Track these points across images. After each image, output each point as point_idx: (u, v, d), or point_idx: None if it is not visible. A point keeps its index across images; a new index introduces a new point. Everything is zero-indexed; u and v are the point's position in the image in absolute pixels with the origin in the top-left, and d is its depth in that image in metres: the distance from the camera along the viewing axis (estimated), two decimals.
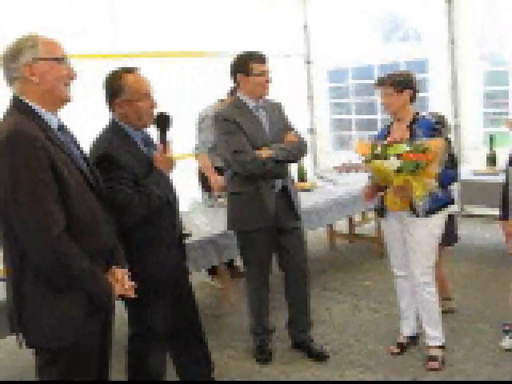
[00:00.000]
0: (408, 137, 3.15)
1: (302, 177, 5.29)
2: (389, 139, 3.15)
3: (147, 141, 2.75)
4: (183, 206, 4.33)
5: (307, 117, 7.57)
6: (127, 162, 2.56)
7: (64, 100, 2.13)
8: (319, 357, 3.56)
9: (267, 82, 3.33)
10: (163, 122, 2.69)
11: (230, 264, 4.87)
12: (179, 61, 5.76)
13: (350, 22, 6.86)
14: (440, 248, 3.51)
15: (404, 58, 6.71)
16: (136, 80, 2.63)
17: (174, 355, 3.07)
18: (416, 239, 3.27)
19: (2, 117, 2.07)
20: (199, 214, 4.19)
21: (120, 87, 2.60)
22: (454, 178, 3.31)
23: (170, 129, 2.72)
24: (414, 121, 3.26)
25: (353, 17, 6.84)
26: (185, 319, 2.98)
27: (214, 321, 4.28)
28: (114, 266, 2.22)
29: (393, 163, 2.94)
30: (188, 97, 5.56)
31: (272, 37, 6.61)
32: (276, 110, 3.50)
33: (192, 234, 3.79)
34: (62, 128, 2.14)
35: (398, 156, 2.94)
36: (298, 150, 3.41)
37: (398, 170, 2.94)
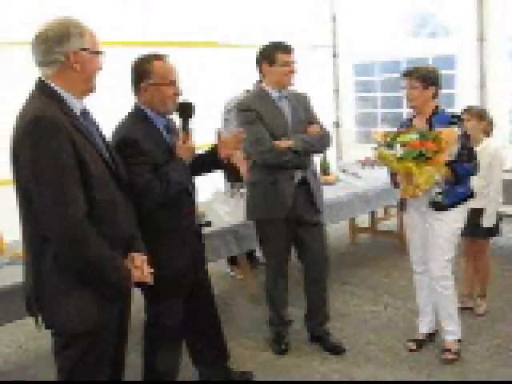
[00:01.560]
0: (427, 130, 3.18)
1: (325, 170, 5.26)
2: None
3: (169, 127, 2.77)
4: (206, 196, 4.37)
5: (332, 110, 7.52)
6: (148, 147, 2.58)
7: (93, 90, 2.18)
8: (335, 350, 3.56)
9: (292, 72, 3.31)
10: (186, 110, 2.71)
11: (251, 255, 4.88)
12: (206, 51, 5.76)
13: (378, 15, 6.77)
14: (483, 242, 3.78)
15: (432, 54, 6.60)
16: (164, 66, 2.66)
17: (190, 343, 3.10)
18: (434, 233, 3.28)
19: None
20: (221, 203, 4.21)
21: (148, 71, 2.64)
22: (471, 172, 3.26)
23: (193, 117, 2.73)
24: (434, 114, 3.29)
25: (381, 10, 6.75)
26: (200, 307, 3.01)
27: (233, 311, 4.30)
28: (132, 253, 2.23)
29: (395, 151, 3.02)
30: (214, 87, 5.57)
31: (299, 28, 6.57)
32: (302, 101, 3.48)
33: (213, 223, 3.80)
34: (84, 113, 2.16)
35: (404, 144, 3.01)
36: (319, 143, 3.39)
37: (400, 158, 3.01)
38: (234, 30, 5.97)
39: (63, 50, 2.03)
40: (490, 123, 3.85)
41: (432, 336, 3.59)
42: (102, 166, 2.10)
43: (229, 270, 5.06)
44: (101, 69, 2.16)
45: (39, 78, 2.09)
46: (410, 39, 6.93)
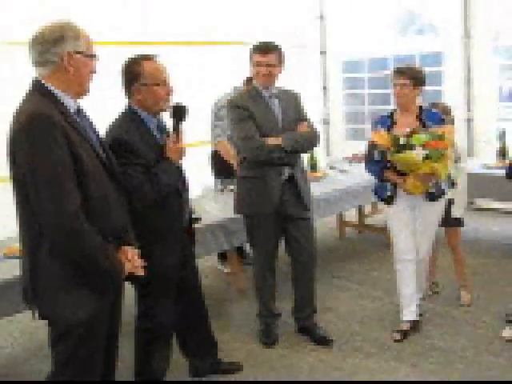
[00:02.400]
0: (419, 127, 3.41)
1: (313, 166, 5.35)
2: (399, 129, 3.42)
3: (161, 128, 2.84)
4: (195, 192, 4.45)
5: (321, 107, 7.62)
6: (140, 148, 2.65)
7: (86, 92, 2.26)
8: (323, 342, 3.65)
9: (262, 73, 3.36)
10: (179, 112, 2.78)
11: (241, 250, 4.97)
12: (195, 50, 5.83)
13: (366, 13, 6.87)
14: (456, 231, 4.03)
15: (419, 51, 6.72)
16: (154, 67, 2.72)
17: (180, 336, 3.19)
18: (427, 221, 3.61)
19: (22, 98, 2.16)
20: (210, 199, 4.29)
21: (138, 73, 2.70)
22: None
23: (185, 120, 2.81)
24: (421, 112, 3.50)
25: (369, 8, 6.86)
26: (189, 302, 3.10)
27: (222, 305, 4.39)
28: (124, 246, 2.31)
29: (419, 153, 3.24)
30: (203, 85, 5.64)
31: (288, 26, 6.66)
32: (292, 99, 3.56)
33: (202, 219, 3.88)
34: (79, 112, 2.24)
35: (423, 146, 3.24)
36: (307, 141, 3.48)
37: (427, 158, 3.24)
38: (223, 29, 6.05)
39: (57, 51, 2.12)
40: (453, 119, 3.99)
41: (416, 324, 3.73)
42: (95, 162, 2.18)
43: (219, 266, 5.14)
44: (95, 72, 2.24)
45: (35, 77, 2.17)
46: (397, 37, 7.03)
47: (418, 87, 3.46)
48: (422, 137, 3.27)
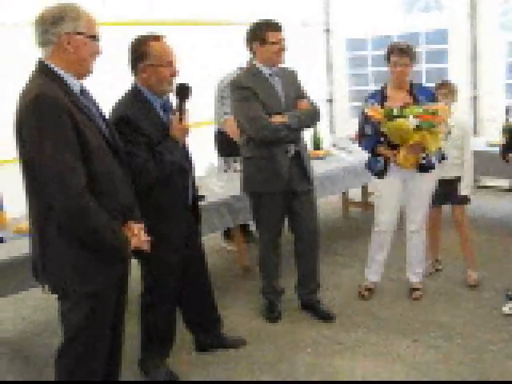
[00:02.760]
0: (412, 102, 3.57)
1: (317, 145, 5.39)
2: (392, 104, 3.54)
3: (166, 107, 2.87)
4: (199, 171, 4.50)
5: (325, 86, 7.60)
6: (144, 127, 2.70)
7: (88, 73, 2.29)
8: (325, 317, 3.72)
9: (282, 50, 3.42)
10: (183, 92, 2.81)
11: (245, 229, 5.03)
12: (199, 29, 5.82)
13: None
14: (461, 210, 4.04)
15: (424, 29, 6.68)
16: (161, 47, 2.75)
17: (185, 312, 3.27)
18: (420, 192, 3.78)
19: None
20: (214, 178, 4.34)
21: (145, 52, 2.73)
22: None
23: (189, 99, 2.84)
24: (412, 88, 3.68)
25: None
26: (194, 279, 3.17)
27: (227, 282, 4.46)
28: (130, 221, 2.37)
29: (412, 121, 3.38)
30: (208, 65, 5.64)
31: (291, 5, 6.63)
32: (291, 77, 3.59)
33: (207, 197, 3.94)
34: (83, 92, 2.29)
35: (416, 117, 3.38)
36: (310, 118, 3.51)
37: (418, 127, 3.36)
38: (225, 8, 6.02)
39: (56, 31, 2.16)
40: (457, 97, 4.06)
41: (376, 284, 4.08)
42: (100, 140, 2.23)
43: (224, 244, 5.21)
44: (99, 53, 2.27)
45: (39, 58, 2.21)
46: (402, 14, 6.98)
47: (413, 65, 3.64)
48: (416, 109, 3.42)
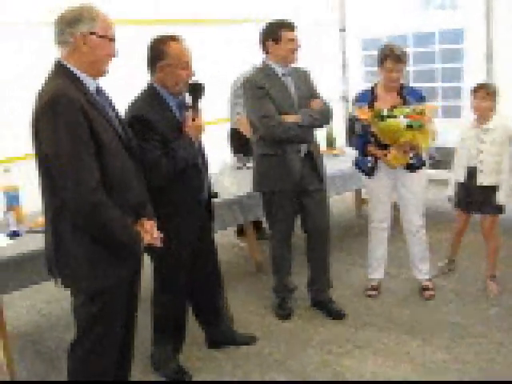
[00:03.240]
0: (401, 103, 3.65)
1: (330, 143, 5.40)
2: (381, 105, 3.62)
3: (182, 106, 2.91)
4: (213, 168, 4.54)
5: (340, 85, 7.60)
6: (158, 125, 2.74)
7: (103, 74, 2.34)
8: (336, 315, 3.74)
9: (296, 49, 3.44)
10: (196, 90, 2.86)
11: (258, 225, 5.06)
12: (213, 28, 5.84)
13: None
14: (493, 219, 3.94)
15: (439, 28, 6.65)
16: (179, 48, 2.80)
17: (196, 307, 3.31)
18: (412, 190, 3.81)
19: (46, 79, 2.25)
20: (228, 175, 4.37)
21: (164, 52, 2.78)
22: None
23: (203, 97, 2.89)
24: (402, 89, 3.74)
25: None
26: (206, 275, 3.21)
27: (239, 278, 4.50)
28: (143, 218, 2.41)
29: (403, 121, 3.44)
30: (223, 63, 5.66)
31: (306, 3, 6.63)
32: (304, 77, 3.61)
33: (219, 194, 3.97)
34: (99, 91, 2.33)
35: (405, 116, 3.44)
36: (323, 117, 3.53)
37: (408, 127, 3.42)
38: (242, 6, 6.03)
39: (73, 31, 2.21)
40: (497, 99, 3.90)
41: (381, 281, 4.10)
42: (114, 138, 2.27)
43: (237, 241, 5.25)
44: (112, 55, 2.32)
45: (57, 58, 2.26)
46: (417, 13, 6.95)
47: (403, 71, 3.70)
48: (405, 109, 3.50)
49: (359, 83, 7.62)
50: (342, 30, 7.46)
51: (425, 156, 3.79)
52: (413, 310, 3.80)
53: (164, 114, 2.80)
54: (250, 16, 5.97)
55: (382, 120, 3.48)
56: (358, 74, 7.63)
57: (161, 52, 2.78)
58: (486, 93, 3.76)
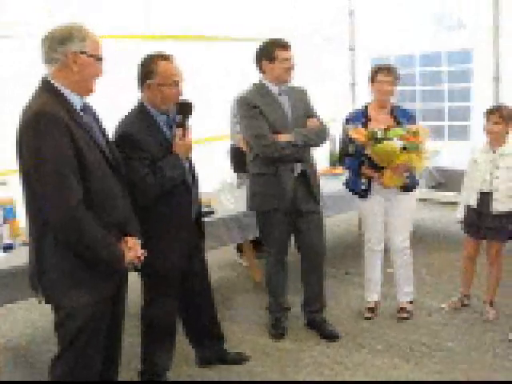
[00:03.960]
0: (394, 123, 3.67)
1: (333, 162, 5.39)
2: (374, 124, 3.66)
3: (171, 124, 2.92)
4: (213, 186, 4.56)
5: (349, 103, 7.60)
6: (146, 143, 2.75)
7: (90, 92, 2.37)
8: (330, 337, 3.70)
9: (291, 68, 3.46)
10: (186, 108, 2.87)
11: (259, 244, 5.04)
12: (219, 45, 5.88)
13: (394, 9, 6.82)
14: (500, 246, 3.84)
15: (448, 48, 6.64)
16: (168, 67, 2.81)
17: (187, 327, 3.31)
18: (400, 212, 3.82)
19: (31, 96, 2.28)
20: (227, 193, 4.38)
21: (152, 71, 2.79)
22: None
23: (191, 116, 2.89)
24: (393, 109, 3.79)
25: (398, 4, 6.81)
26: (196, 295, 3.20)
27: (236, 297, 4.48)
28: (126, 236, 2.42)
29: (398, 143, 3.46)
30: (223, 80, 5.68)
31: (316, 22, 6.67)
32: (300, 96, 3.62)
33: (216, 211, 3.98)
34: (85, 109, 2.35)
35: (400, 137, 3.47)
36: (317, 136, 3.52)
37: (404, 149, 3.45)
38: (251, 24, 6.08)
39: (63, 50, 2.24)
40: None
41: (378, 304, 4.07)
42: (98, 156, 2.29)
43: (237, 259, 5.24)
44: (100, 75, 2.35)
45: (43, 76, 2.29)
46: (426, 33, 6.95)
47: (396, 85, 3.77)
48: (399, 131, 3.51)
49: (367, 101, 7.62)
50: (351, 48, 7.49)
51: (418, 175, 3.83)
52: (407, 332, 3.75)
53: (152, 133, 2.81)
54: (258, 34, 6.00)
55: (377, 142, 3.47)
56: (367, 92, 7.62)
57: (150, 70, 2.80)
58: (499, 116, 3.67)
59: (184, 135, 2.84)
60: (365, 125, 3.69)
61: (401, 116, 3.75)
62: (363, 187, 3.81)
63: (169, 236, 2.88)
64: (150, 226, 2.75)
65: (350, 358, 3.48)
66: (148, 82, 2.81)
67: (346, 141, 3.77)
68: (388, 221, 3.88)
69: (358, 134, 3.59)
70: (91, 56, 2.28)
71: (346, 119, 3.87)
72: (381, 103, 3.76)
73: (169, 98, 2.82)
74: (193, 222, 3.04)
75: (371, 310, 4.02)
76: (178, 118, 2.86)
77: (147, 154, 2.74)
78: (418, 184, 3.91)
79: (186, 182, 2.93)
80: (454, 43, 6.66)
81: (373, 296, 4.04)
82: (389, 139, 3.46)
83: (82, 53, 2.26)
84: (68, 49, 2.24)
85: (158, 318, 3.04)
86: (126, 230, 2.45)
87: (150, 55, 2.86)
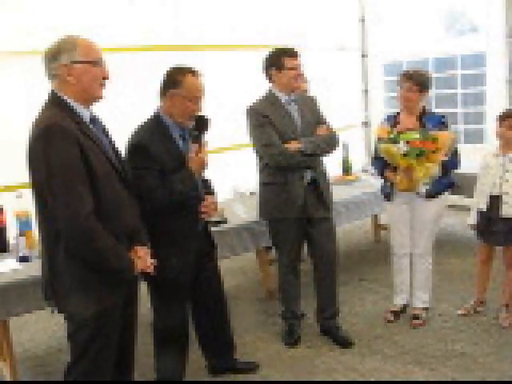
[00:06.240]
0: (419, 127, 3.60)
1: (346, 169, 5.40)
2: (400, 127, 3.64)
3: (185, 137, 2.94)
4: (224, 195, 4.59)
5: (362, 110, 7.60)
6: (159, 154, 2.78)
7: (96, 98, 2.40)
8: (343, 343, 3.70)
9: (299, 75, 3.49)
10: (202, 124, 2.89)
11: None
12: (237, 53, 5.93)
13: (406, 14, 6.83)
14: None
15: (461, 52, 6.62)
16: (194, 82, 2.85)
17: (199, 335, 3.33)
18: (423, 218, 3.78)
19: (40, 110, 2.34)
20: (239, 202, 4.41)
21: (178, 82, 2.83)
22: (456, 165, 3.74)
23: (207, 131, 2.92)
24: (423, 114, 3.72)
25: (409, 9, 6.81)
26: (207, 303, 3.23)
27: (251, 304, 4.50)
28: (136, 245, 2.46)
29: (400, 147, 3.43)
30: (243, 89, 5.71)
31: (328, 29, 6.69)
32: (309, 104, 3.64)
33: (229, 220, 4.01)
34: (93, 120, 2.40)
35: (407, 142, 3.43)
36: (327, 144, 3.54)
37: (405, 154, 3.42)
38: (262, 32, 6.11)
39: (55, 65, 2.29)
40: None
41: (405, 307, 4.06)
42: (107, 167, 2.33)
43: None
44: (102, 77, 2.36)
45: (51, 89, 2.35)
46: (438, 38, 6.93)
47: (423, 92, 3.67)
48: (411, 135, 3.46)
49: (381, 108, 7.62)
50: (364, 55, 7.49)
51: (445, 183, 3.74)
52: (422, 338, 3.73)
53: (166, 145, 2.84)
54: (272, 42, 6.04)
55: (394, 142, 3.48)
56: (380, 99, 7.63)
57: (176, 81, 2.83)
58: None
59: (199, 151, 2.86)
60: (392, 127, 3.70)
61: (428, 121, 3.67)
62: (387, 190, 3.84)
63: (174, 246, 2.90)
64: (157, 235, 2.77)
65: (364, 364, 3.48)
66: (172, 91, 2.83)
67: (376, 143, 3.80)
68: (411, 226, 3.86)
69: (381, 131, 3.67)
70: (83, 62, 2.30)
71: (381, 122, 3.92)
72: (406, 108, 3.73)
73: (188, 112, 2.84)
74: (202, 232, 3.07)
75: (394, 313, 4.02)
76: (195, 132, 2.88)
77: (159, 165, 2.77)
78: (445, 191, 3.81)
79: (198, 196, 2.95)
80: (466, 47, 6.63)
81: (397, 300, 4.05)
82: (396, 142, 3.47)
83: (73, 62, 2.28)
84: (59, 63, 2.28)
85: (168, 326, 3.07)
86: (136, 239, 2.49)
87: (180, 67, 2.89)
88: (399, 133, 3.52)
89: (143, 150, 2.77)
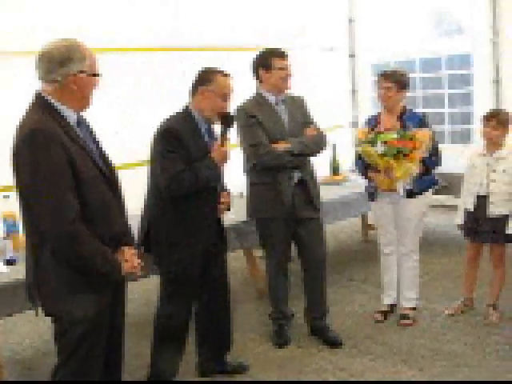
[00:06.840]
0: (399, 127, 3.66)
1: (335, 169, 5.41)
2: (381, 128, 3.70)
3: (211, 132, 3.10)
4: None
5: (350, 110, 7.62)
6: (188, 142, 2.92)
7: (88, 107, 2.41)
8: (333, 343, 3.70)
9: (288, 76, 3.49)
10: (228, 120, 3.04)
11: None
12: (232, 54, 5.91)
13: (394, 15, 6.86)
14: (502, 249, 3.85)
15: (447, 53, 6.66)
16: (226, 81, 3.02)
17: (199, 333, 3.36)
18: (406, 217, 3.80)
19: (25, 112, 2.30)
20: None
21: (210, 79, 3.00)
22: (437, 163, 3.81)
23: (232, 127, 3.11)
24: (403, 113, 3.77)
25: (397, 10, 6.84)
26: (215, 300, 3.28)
27: (241, 304, 4.48)
28: (123, 247, 2.44)
29: (377, 148, 3.50)
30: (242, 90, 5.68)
31: (316, 29, 6.70)
32: (298, 104, 3.65)
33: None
34: (80, 123, 2.38)
35: (385, 142, 3.50)
36: (315, 144, 3.55)
37: (383, 154, 3.48)
38: (249, 33, 6.10)
39: (64, 72, 2.25)
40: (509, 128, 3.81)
41: (393, 307, 4.06)
42: (93, 171, 2.31)
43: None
44: (97, 88, 2.38)
45: (37, 91, 2.31)
46: (425, 38, 6.97)
47: (401, 91, 3.72)
48: (389, 135, 3.53)
49: (368, 109, 7.64)
50: (352, 55, 7.51)
51: (427, 182, 3.80)
52: (411, 337, 3.75)
53: (194, 136, 2.98)
54: (260, 43, 6.02)
55: (371, 143, 3.54)
56: (368, 99, 7.65)
57: (208, 79, 3.00)
58: (497, 122, 3.67)
59: (223, 144, 2.99)
60: (373, 128, 3.74)
61: (409, 120, 3.71)
62: (372, 190, 3.87)
63: (190, 235, 3.00)
64: (173, 223, 2.94)
65: (354, 364, 3.48)
66: (203, 87, 2.99)
67: (356, 145, 3.84)
68: (396, 225, 3.89)
69: (361, 134, 3.73)
70: (90, 74, 2.31)
71: (363, 123, 3.97)
72: (386, 108, 3.78)
73: (217, 108, 2.99)
74: (215, 225, 3.15)
75: (383, 313, 4.02)
76: (221, 127, 3.03)
77: (185, 152, 2.90)
78: (428, 190, 3.86)
79: (216, 188, 3.08)
80: (453, 48, 6.67)
81: (386, 299, 4.06)
82: (373, 143, 3.53)
83: (81, 72, 2.28)
84: (68, 70, 2.25)
85: (171, 318, 3.10)
86: (123, 241, 2.47)
87: (212, 68, 3.06)
88: (378, 133, 3.57)
89: (176, 135, 2.91)
